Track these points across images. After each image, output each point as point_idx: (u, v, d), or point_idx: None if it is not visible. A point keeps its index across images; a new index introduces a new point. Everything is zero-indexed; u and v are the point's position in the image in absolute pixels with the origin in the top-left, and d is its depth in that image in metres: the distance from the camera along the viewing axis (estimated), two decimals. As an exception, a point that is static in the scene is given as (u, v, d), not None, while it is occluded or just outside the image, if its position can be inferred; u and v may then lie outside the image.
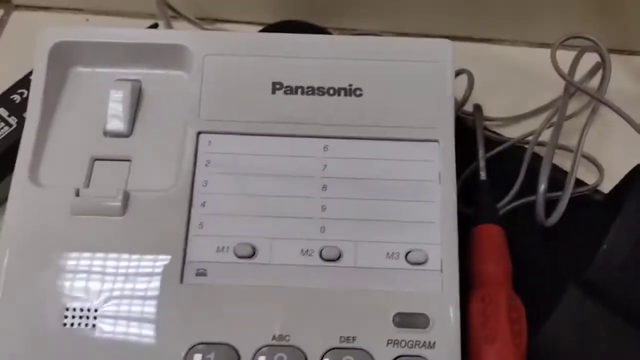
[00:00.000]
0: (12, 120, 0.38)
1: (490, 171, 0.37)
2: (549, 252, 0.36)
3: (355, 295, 0.30)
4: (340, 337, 0.29)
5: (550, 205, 0.35)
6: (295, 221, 0.31)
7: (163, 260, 0.30)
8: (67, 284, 0.30)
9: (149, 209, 0.31)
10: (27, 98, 0.34)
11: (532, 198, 0.36)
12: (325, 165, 0.32)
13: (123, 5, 0.47)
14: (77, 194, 0.31)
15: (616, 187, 0.38)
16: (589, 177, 0.40)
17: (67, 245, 0.30)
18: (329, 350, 0.29)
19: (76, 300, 0.29)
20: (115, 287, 0.30)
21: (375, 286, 0.30)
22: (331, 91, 0.33)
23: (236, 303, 0.29)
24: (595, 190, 0.39)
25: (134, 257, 0.30)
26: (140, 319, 0.29)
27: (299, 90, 0.33)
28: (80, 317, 0.29)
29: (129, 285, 0.30)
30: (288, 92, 0.33)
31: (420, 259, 0.30)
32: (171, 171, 0.32)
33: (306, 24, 0.45)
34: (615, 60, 0.47)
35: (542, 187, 0.34)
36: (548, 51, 0.37)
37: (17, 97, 0.39)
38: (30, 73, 0.36)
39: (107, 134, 0.33)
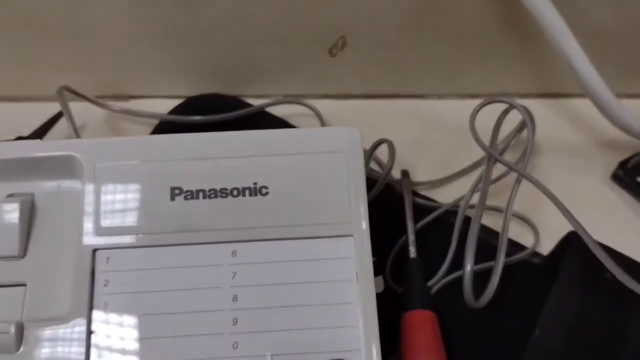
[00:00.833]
0: None
1: (423, 239, 0.36)
2: (485, 331, 0.35)
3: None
4: None
5: (485, 275, 0.33)
6: (205, 339, 0.29)
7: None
8: None
9: (45, 341, 0.28)
10: None
11: (462, 273, 0.34)
12: (235, 273, 0.30)
13: (28, 90, 0.44)
14: (-35, 331, 0.29)
15: (552, 253, 0.36)
16: (526, 237, 0.39)
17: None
18: None
19: None
20: None
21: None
22: (235, 192, 0.31)
23: None
24: (533, 253, 0.38)
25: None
26: None
27: (200, 194, 0.31)
28: None
29: None
30: (189, 197, 0.31)
31: (341, 369, 0.28)
32: (68, 294, 0.30)
33: (217, 95, 0.43)
34: (546, 105, 0.46)
35: (467, 267, 0.32)
36: (477, 102, 0.36)
37: None
38: None
39: (-2, 257, 0.31)
